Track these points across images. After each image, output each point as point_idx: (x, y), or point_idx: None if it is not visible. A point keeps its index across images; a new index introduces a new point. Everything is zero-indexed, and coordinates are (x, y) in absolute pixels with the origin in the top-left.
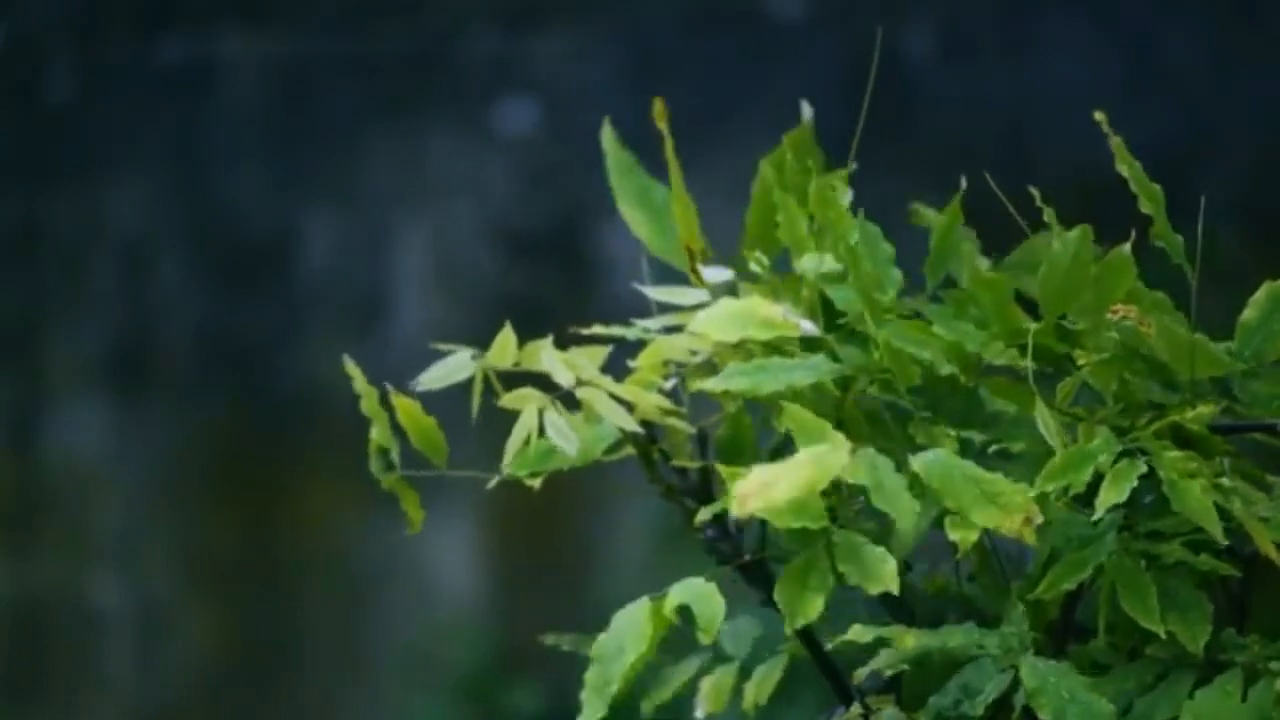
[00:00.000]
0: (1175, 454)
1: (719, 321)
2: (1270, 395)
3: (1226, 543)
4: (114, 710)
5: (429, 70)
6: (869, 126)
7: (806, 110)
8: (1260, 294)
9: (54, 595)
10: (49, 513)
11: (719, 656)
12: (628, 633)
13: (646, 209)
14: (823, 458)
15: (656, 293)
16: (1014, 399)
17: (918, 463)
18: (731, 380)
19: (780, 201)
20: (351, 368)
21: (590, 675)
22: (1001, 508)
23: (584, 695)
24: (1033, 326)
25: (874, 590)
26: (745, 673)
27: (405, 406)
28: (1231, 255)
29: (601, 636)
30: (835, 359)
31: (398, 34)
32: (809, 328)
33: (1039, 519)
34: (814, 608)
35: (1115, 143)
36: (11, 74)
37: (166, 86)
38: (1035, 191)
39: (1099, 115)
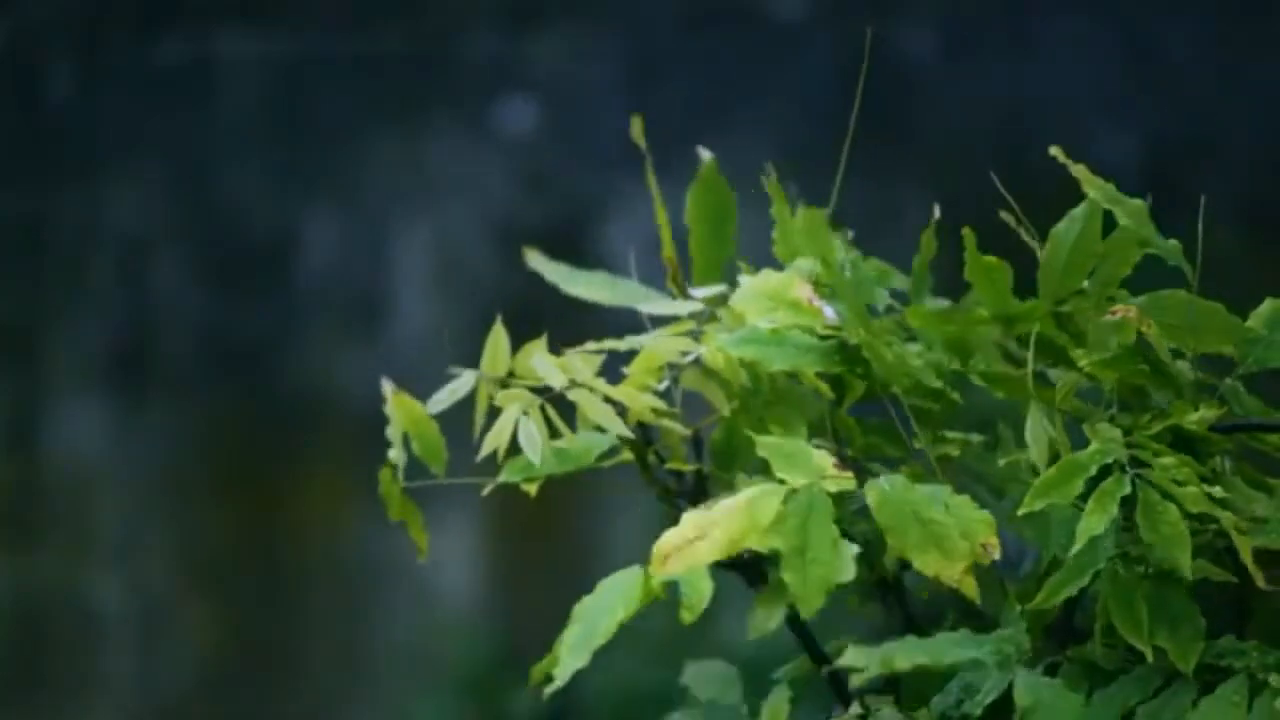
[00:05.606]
0: (1169, 459)
1: (752, 298)
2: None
3: (1192, 578)
4: (114, 710)
5: (429, 70)
6: (868, 127)
7: (704, 154)
8: (1264, 307)
9: (54, 595)
10: (49, 513)
11: (758, 679)
12: (618, 594)
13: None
14: (756, 506)
15: (648, 306)
16: (1014, 393)
17: (872, 492)
18: (744, 347)
19: (778, 215)
20: (388, 386)
21: (570, 633)
22: (945, 553)
23: (560, 651)
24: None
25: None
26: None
27: (409, 409)
28: (1231, 255)
29: (586, 599)
30: (846, 352)
31: (398, 34)
32: (831, 315)
33: (994, 553)
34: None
35: (1079, 169)
36: (11, 74)
37: (166, 86)
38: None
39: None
